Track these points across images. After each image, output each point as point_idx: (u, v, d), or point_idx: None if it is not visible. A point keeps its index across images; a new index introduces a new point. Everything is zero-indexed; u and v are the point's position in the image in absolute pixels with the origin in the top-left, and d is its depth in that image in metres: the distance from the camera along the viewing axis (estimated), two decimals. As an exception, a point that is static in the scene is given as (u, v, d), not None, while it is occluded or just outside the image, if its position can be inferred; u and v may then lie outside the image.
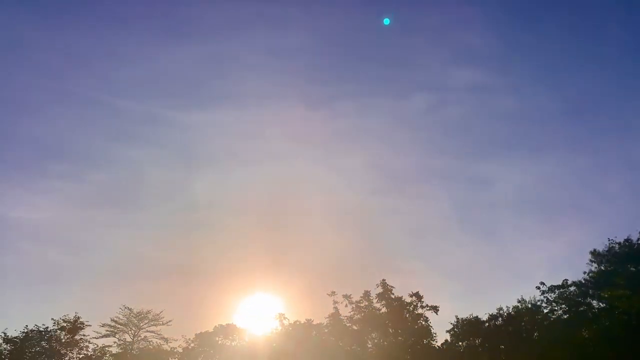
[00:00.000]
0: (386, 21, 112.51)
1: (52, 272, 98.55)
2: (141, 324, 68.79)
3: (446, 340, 59.79)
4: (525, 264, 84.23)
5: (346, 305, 60.50)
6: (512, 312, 56.99)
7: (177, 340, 68.95)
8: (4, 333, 60.98)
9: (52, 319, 63.14)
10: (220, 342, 69.23)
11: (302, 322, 63.78)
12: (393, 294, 60.40)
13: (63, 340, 62.52)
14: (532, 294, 57.53)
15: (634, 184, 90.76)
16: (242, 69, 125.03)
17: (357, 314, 60.14)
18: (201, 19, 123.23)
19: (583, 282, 53.80)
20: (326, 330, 61.62)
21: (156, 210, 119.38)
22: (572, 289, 53.83)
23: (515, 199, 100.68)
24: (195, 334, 69.46)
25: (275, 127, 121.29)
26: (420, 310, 59.52)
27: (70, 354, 62.64)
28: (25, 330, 61.24)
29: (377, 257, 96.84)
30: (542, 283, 55.68)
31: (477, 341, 57.55)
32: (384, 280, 61.14)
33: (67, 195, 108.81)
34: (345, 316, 60.39)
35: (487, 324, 57.46)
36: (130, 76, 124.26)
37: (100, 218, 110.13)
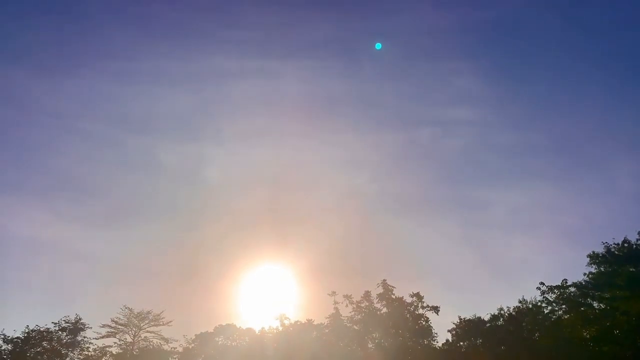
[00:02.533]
0: (378, 46, 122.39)
1: (56, 277, 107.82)
2: (142, 324, 68.65)
3: (447, 341, 60.07)
4: (518, 273, 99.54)
5: (347, 306, 60.59)
6: (513, 313, 57.18)
7: (177, 340, 69.11)
8: (4, 334, 60.94)
9: (53, 322, 63.27)
10: (220, 342, 69.28)
11: (303, 322, 64.00)
12: (394, 294, 60.55)
13: (64, 341, 62.39)
14: (532, 295, 58.00)
15: (611, 207, 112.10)
16: (239, 110, 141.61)
17: (357, 314, 60.20)
18: (204, 70, 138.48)
19: (583, 283, 53.98)
20: (327, 331, 61.73)
21: (157, 222, 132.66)
22: (572, 289, 54.07)
23: (509, 219, 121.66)
24: (196, 335, 69.51)
25: (275, 156, 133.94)
26: (421, 311, 59.65)
27: (71, 354, 62.62)
28: (27, 331, 61.14)
29: (380, 262, 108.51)
30: (542, 283, 55.68)
31: (478, 341, 57.74)
32: (384, 280, 61.24)
33: (73, 217, 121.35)
34: (346, 316, 60.47)
35: (488, 324, 57.65)
36: (137, 115, 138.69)
37: (102, 234, 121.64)
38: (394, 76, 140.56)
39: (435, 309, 59.28)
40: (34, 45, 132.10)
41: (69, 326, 63.12)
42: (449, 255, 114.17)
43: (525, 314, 55.87)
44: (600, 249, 55.58)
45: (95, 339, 65.43)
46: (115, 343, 67.05)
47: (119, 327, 67.51)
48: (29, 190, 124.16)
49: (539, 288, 55.42)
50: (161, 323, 69.25)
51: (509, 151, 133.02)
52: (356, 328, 59.90)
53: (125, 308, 68.51)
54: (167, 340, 68.48)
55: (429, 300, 60.15)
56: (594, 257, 56.01)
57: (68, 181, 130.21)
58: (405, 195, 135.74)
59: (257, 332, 68.14)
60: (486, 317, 58.65)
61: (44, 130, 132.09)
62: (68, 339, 62.74)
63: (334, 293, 61.25)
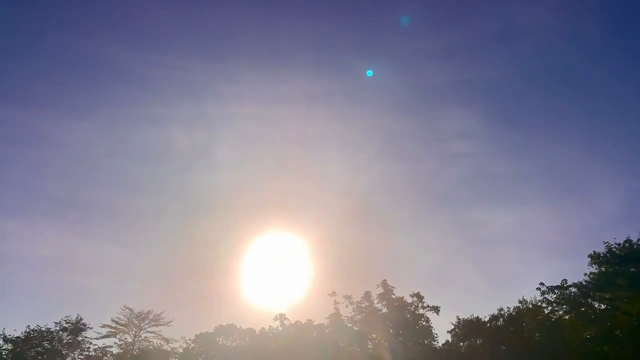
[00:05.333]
0: (369, 73, 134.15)
1: (60, 281, 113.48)
2: (142, 325, 68.63)
3: (447, 341, 59.80)
4: (508, 281, 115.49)
5: (347, 306, 60.53)
6: (513, 313, 56.83)
7: (177, 340, 69.01)
8: (4, 334, 60.98)
9: (54, 321, 63.23)
10: (220, 342, 69.14)
11: (303, 322, 63.86)
12: (394, 294, 60.45)
13: (65, 341, 62.37)
14: (532, 295, 57.69)
15: (590, 226, 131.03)
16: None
17: (358, 315, 60.11)
18: (200, 114, 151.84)
19: (584, 283, 53.73)
20: (327, 331, 61.61)
21: (159, 226, 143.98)
22: (572, 290, 53.80)
23: (501, 236, 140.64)
24: (196, 335, 69.28)
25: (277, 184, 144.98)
26: (421, 311, 59.53)
27: (72, 354, 62.57)
28: (27, 331, 61.13)
29: (380, 265, 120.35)
30: (542, 284, 55.51)
31: (478, 341, 57.38)
32: (384, 280, 61.17)
33: (79, 235, 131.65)
34: (346, 316, 60.40)
35: (488, 325, 57.30)
36: (137, 148, 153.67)
37: (106, 249, 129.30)
38: (394, 121, 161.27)
39: (436, 309, 59.13)
40: (45, 93, 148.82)
41: (69, 326, 63.06)
42: (447, 264, 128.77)
43: (526, 314, 55.52)
44: (602, 249, 55.33)
45: (96, 339, 65.44)
46: (115, 343, 67.09)
47: (120, 327, 67.50)
48: (39, 213, 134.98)
49: (539, 288, 55.22)
50: (161, 323, 69.27)
51: (501, 179, 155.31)
52: (356, 328, 59.80)
53: (126, 308, 68.59)
54: (167, 341, 68.41)
55: (427, 303, 60.11)
56: (595, 257, 55.68)
57: (76, 204, 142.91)
58: (408, 213, 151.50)
59: (257, 332, 68.00)
60: (486, 318, 58.36)
61: (53, 165, 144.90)
62: (69, 339, 62.71)
63: (334, 293, 61.30)
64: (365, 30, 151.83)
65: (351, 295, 60.88)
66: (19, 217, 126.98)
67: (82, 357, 63.30)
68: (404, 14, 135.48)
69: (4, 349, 59.94)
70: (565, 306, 54.05)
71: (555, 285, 54.17)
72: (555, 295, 53.85)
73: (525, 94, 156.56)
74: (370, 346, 59.63)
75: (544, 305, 55.00)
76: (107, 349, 65.96)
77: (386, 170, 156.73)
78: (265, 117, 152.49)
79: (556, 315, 54.26)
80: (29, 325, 61.66)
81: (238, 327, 69.81)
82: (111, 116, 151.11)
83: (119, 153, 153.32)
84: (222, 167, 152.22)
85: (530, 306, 56.27)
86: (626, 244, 54.93)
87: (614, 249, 55.34)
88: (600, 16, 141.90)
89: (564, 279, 54.32)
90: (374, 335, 60.02)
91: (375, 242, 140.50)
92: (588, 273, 54.11)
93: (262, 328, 67.33)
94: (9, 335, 60.72)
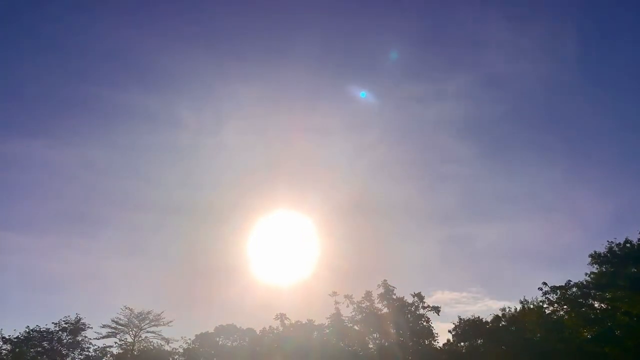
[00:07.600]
0: (363, 94, 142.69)
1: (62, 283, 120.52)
2: (142, 325, 68.55)
3: (448, 341, 59.83)
4: (500, 288, 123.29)
5: (347, 306, 60.30)
6: (515, 313, 56.89)
7: (177, 340, 68.97)
8: (2, 334, 60.87)
9: (53, 322, 63.16)
10: (220, 342, 69.25)
11: (304, 322, 63.81)
12: (395, 294, 60.40)
13: (64, 341, 62.26)
14: (534, 295, 57.76)
15: (571, 241, 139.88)
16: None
17: (358, 315, 59.93)
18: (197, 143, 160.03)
19: (584, 283, 53.64)
20: (327, 331, 61.55)
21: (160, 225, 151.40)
22: (574, 290, 53.74)
23: (489, 249, 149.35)
24: (196, 335, 69.52)
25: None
26: (421, 311, 59.48)
27: (72, 354, 62.46)
28: (27, 331, 61.03)
29: (380, 264, 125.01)
30: (545, 283, 55.46)
31: (479, 342, 57.40)
32: (385, 280, 61.03)
33: (84, 248, 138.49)
34: (347, 316, 60.23)
35: (489, 325, 57.35)
36: (133, 161, 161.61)
37: (107, 254, 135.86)
38: (385, 147, 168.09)
39: (436, 309, 59.00)
40: (49, 125, 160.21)
41: (69, 326, 62.97)
42: (442, 275, 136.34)
43: (527, 314, 55.53)
44: (602, 249, 55.25)
45: (96, 339, 65.49)
46: (115, 343, 67.06)
47: (120, 327, 67.44)
48: (45, 228, 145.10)
49: (540, 289, 55.13)
50: (161, 323, 69.15)
51: (489, 198, 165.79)
52: (357, 328, 59.71)
53: (126, 308, 68.51)
54: (167, 341, 68.39)
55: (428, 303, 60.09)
56: (595, 257, 55.51)
57: (78, 219, 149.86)
58: (405, 227, 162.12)
59: (257, 332, 68.05)
60: (489, 318, 58.38)
61: (57, 185, 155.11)
62: (68, 339, 62.60)
63: (335, 293, 61.08)
64: (364, 72, 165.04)
65: (352, 295, 60.84)
66: (25, 232, 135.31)
67: (82, 357, 63.21)
68: (395, 55, 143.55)
69: (3, 349, 59.83)
70: (566, 306, 54.00)
71: (557, 285, 54.13)
72: (556, 296, 53.83)
73: (512, 128, 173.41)
74: (371, 346, 59.57)
75: (545, 305, 55.02)
76: (107, 349, 66.08)
77: (380, 190, 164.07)
78: (272, 102, 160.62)
79: (557, 315, 54.26)
80: (28, 326, 61.74)
81: (238, 327, 70.15)
82: (97, 143, 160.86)
83: (119, 167, 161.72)
84: (228, 150, 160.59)
85: (532, 306, 56.30)
86: (626, 244, 54.86)
87: (614, 249, 55.29)
88: (575, 64, 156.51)
89: (568, 280, 54.29)
90: (374, 336, 59.92)
91: (375, 238, 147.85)
92: (589, 273, 54.05)
93: (263, 328, 67.45)
94: (9, 335, 60.72)
